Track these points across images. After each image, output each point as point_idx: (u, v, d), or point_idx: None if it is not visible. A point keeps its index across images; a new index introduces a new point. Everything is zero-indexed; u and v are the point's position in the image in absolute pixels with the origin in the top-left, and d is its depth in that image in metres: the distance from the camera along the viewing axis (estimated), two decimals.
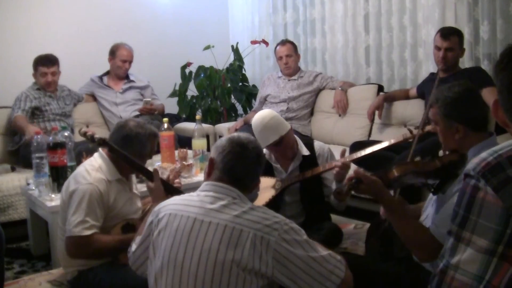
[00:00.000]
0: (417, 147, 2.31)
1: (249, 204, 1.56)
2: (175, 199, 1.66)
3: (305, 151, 2.57)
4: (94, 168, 2.18)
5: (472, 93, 1.85)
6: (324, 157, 2.59)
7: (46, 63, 3.98)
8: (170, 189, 2.25)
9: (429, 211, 1.95)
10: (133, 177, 2.43)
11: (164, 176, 2.46)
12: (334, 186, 2.46)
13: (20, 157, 3.82)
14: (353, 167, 2.37)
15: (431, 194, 1.92)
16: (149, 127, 2.30)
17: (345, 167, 2.38)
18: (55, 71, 4.01)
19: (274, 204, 2.41)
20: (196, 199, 1.59)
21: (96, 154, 2.28)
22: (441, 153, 1.91)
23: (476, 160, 0.98)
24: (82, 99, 4.38)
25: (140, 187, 2.57)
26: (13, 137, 3.94)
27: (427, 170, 1.83)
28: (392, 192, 2.01)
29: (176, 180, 2.45)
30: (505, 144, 0.99)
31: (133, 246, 1.74)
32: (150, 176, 2.21)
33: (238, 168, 1.61)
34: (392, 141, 2.51)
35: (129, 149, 2.21)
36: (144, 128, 2.26)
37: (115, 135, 2.25)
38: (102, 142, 2.20)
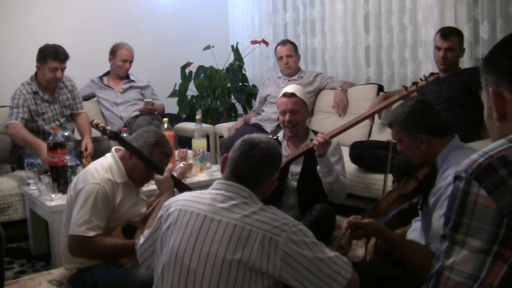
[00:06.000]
0: (392, 165, 2.34)
1: (259, 205, 1.56)
2: (186, 195, 1.66)
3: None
4: (103, 168, 2.19)
5: (424, 102, 1.95)
6: (333, 144, 2.72)
7: (59, 57, 3.55)
8: (180, 186, 2.26)
9: (418, 224, 2.07)
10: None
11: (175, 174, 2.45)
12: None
13: (15, 159, 3.74)
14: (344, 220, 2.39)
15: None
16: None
17: (325, 142, 2.59)
18: (65, 67, 3.62)
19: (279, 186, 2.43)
20: (207, 197, 1.60)
21: (108, 154, 2.28)
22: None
23: (467, 161, 0.97)
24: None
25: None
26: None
27: (408, 191, 1.92)
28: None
29: None
30: (495, 145, 0.98)
31: (141, 239, 1.74)
32: (160, 169, 2.20)
33: (242, 165, 1.61)
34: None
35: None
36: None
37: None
38: (113, 135, 2.20)
